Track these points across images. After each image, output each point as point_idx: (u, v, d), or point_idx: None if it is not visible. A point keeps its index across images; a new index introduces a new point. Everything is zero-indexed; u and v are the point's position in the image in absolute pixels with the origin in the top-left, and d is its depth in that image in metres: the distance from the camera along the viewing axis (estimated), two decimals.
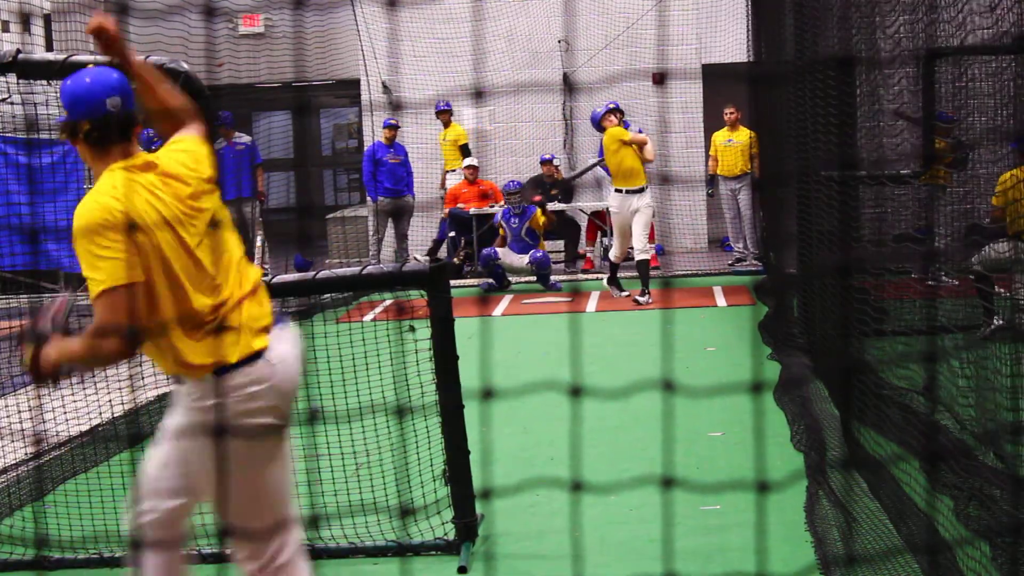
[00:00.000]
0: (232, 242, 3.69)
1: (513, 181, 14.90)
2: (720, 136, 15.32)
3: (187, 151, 3.71)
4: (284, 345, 3.67)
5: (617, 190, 12.57)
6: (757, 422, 6.52)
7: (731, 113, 15.15)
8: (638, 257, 12.50)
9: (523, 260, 14.24)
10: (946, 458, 5.15)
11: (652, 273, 12.86)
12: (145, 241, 3.46)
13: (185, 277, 3.52)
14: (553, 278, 14.21)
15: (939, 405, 5.50)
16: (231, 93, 16.66)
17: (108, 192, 3.50)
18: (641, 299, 12.62)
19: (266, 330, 3.64)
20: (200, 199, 3.62)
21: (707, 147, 16.24)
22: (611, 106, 12.67)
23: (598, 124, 12.81)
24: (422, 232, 16.42)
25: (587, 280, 14.78)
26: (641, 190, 12.48)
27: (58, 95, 3.72)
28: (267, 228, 15.43)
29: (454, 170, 16.15)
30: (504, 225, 14.51)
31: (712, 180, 15.54)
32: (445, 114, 16.33)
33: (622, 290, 12.95)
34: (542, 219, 14.50)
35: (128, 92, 3.64)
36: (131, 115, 3.65)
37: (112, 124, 3.58)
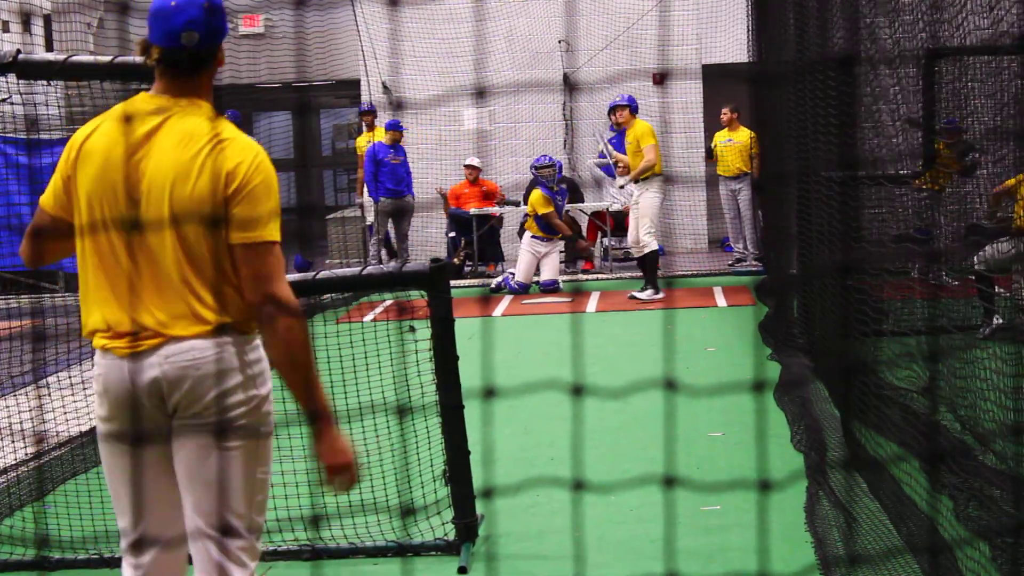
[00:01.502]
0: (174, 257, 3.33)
1: (543, 156, 14.70)
2: (721, 136, 15.35)
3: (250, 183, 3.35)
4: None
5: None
6: (758, 422, 6.52)
7: (725, 113, 15.15)
8: (644, 251, 12.58)
9: (536, 260, 14.13)
10: (946, 458, 5.15)
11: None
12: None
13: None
14: (553, 278, 14.16)
15: (939, 405, 5.50)
16: (231, 93, 16.66)
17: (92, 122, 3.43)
18: (640, 295, 12.64)
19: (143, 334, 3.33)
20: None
21: (705, 147, 16.27)
22: (622, 102, 12.68)
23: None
24: (423, 232, 16.42)
25: (587, 280, 14.78)
26: (636, 182, 12.53)
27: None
28: None
29: None
30: (554, 202, 14.24)
31: (710, 152, 15.55)
32: (369, 115, 16.10)
33: (657, 291, 12.88)
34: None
35: (215, 27, 3.39)
36: (208, 52, 3.39)
37: (182, 59, 3.35)
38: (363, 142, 16.19)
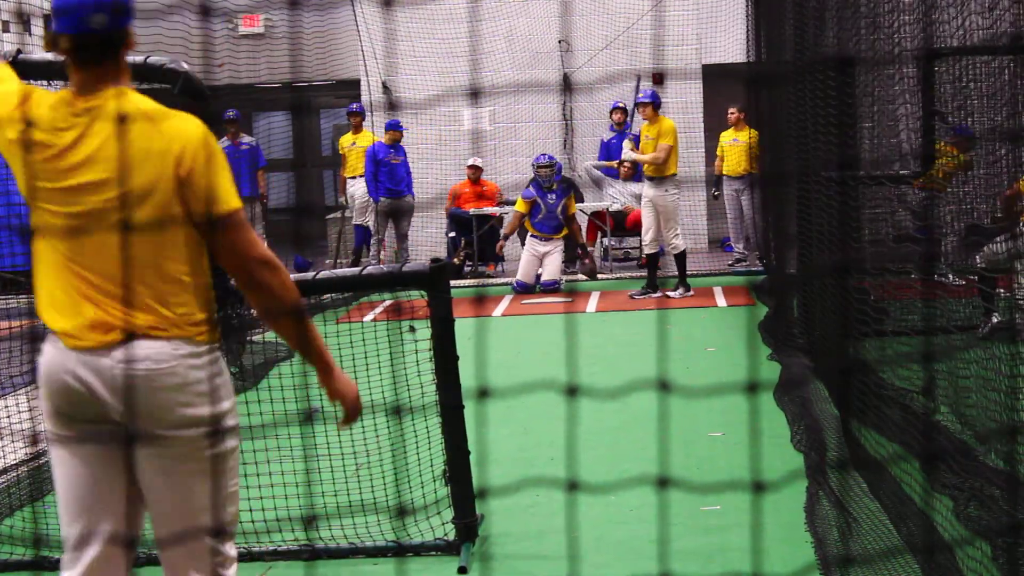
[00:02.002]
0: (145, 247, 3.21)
1: (544, 155, 14.73)
2: (726, 136, 15.35)
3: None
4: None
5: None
6: (754, 422, 6.52)
7: (732, 113, 15.17)
8: (646, 251, 12.73)
9: (538, 260, 14.12)
10: (946, 458, 5.15)
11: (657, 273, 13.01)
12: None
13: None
14: (554, 278, 14.15)
15: (939, 405, 5.50)
16: (231, 93, 16.66)
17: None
18: (672, 294, 12.72)
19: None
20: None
21: (705, 146, 16.28)
22: (645, 98, 12.72)
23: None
24: (423, 232, 16.42)
25: (587, 280, 14.78)
26: (651, 180, 12.62)
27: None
28: (268, 228, 15.44)
29: (356, 177, 15.76)
30: (540, 200, 14.30)
31: (718, 181, 15.55)
32: (357, 116, 16.01)
33: (688, 289, 12.96)
34: (573, 208, 14.45)
35: (122, 7, 3.24)
36: (119, 35, 3.24)
37: (92, 44, 3.22)
38: (347, 142, 16.14)
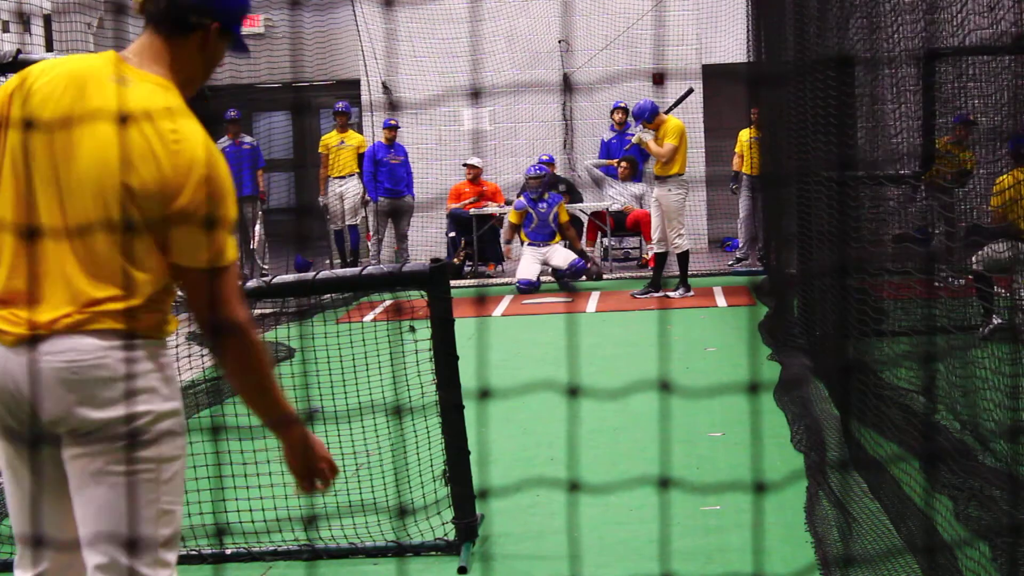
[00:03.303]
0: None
1: (535, 165, 14.73)
2: (745, 134, 15.34)
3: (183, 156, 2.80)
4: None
5: None
6: (755, 423, 6.52)
7: (756, 112, 15.16)
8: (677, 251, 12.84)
9: (538, 262, 14.14)
10: (946, 458, 5.15)
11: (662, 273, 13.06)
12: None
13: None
14: (570, 260, 14.18)
15: (939, 405, 5.50)
16: (231, 93, 16.66)
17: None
18: (672, 294, 12.74)
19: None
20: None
21: (705, 146, 16.26)
22: (641, 119, 12.82)
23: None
24: (422, 232, 16.43)
25: (587, 280, 14.78)
26: (657, 179, 12.72)
27: None
28: (267, 228, 15.46)
29: (345, 176, 15.77)
30: (531, 210, 14.33)
31: (736, 177, 15.56)
32: (343, 116, 15.93)
33: (688, 290, 12.98)
34: (565, 216, 14.47)
35: None
36: (195, 13, 2.88)
37: (163, 6, 2.88)
38: (333, 141, 16.08)
